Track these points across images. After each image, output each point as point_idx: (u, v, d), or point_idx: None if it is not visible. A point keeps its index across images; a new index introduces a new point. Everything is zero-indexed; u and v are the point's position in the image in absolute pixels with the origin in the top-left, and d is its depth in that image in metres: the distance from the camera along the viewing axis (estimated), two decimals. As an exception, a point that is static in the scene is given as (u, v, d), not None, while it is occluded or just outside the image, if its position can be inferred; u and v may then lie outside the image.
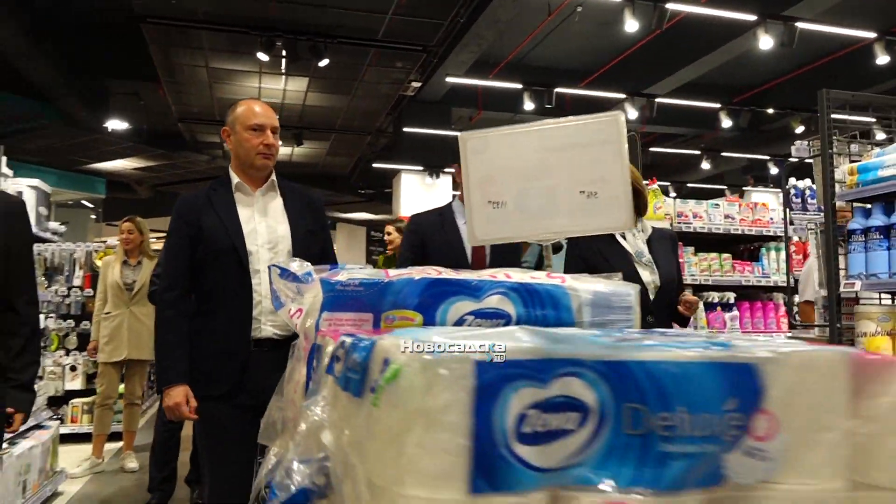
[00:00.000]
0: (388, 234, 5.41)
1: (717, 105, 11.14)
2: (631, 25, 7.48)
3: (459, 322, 1.02)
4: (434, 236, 2.90)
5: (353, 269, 1.15)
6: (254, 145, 2.40)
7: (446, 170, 13.37)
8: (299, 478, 0.82)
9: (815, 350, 0.93)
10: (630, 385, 0.79)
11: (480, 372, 0.73)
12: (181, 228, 2.39)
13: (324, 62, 8.46)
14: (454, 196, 3.05)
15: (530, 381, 0.74)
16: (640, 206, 2.76)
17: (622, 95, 10.68)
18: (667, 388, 0.80)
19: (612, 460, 0.76)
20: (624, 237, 2.81)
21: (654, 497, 0.74)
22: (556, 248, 2.93)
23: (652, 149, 14.25)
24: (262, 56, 8.35)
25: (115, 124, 12.68)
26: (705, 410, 0.81)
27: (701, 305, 4.44)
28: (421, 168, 13.01)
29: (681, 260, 3.48)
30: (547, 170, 1.38)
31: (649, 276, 2.78)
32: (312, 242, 2.46)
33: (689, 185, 16.48)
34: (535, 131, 1.44)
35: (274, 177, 2.50)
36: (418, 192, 13.12)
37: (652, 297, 2.73)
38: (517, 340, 0.76)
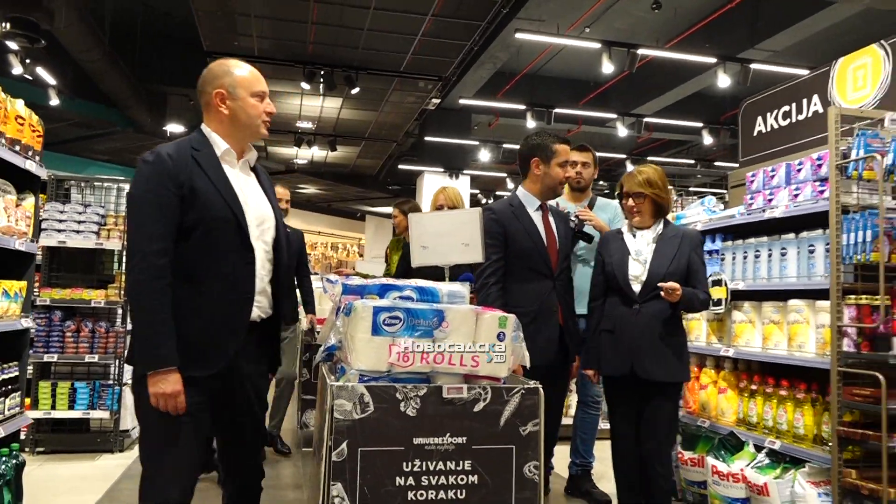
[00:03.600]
0: (395, 216, 5.42)
1: (700, 124, 12.60)
2: (607, 67, 9.03)
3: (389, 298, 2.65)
4: (512, 223, 3.22)
5: (354, 279, 2.82)
6: (259, 112, 2.26)
7: (465, 171, 15.06)
8: (332, 341, 2.45)
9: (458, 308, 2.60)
10: (411, 315, 2.41)
11: (375, 311, 2.33)
12: (168, 186, 2.07)
13: (355, 90, 10.18)
14: (518, 187, 3.43)
15: (385, 311, 2.34)
16: (664, 210, 3.18)
17: (613, 115, 12.22)
18: (417, 313, 2.39)
19: (402, 332, 2.36)
20: (634, 236, 3.19)
21: (410, 338, 2.35)
22: (587, 239, 3.84)
23: (650, 157, 15.75)
24: (305, 85, 10.10)
25: (173, 128, 14.56)
26: (425, 319, 2.37)
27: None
28: (442, 169, 14.68)
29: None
30: (447, 232, 3.03)
31: (638, 270, 3.11)
32: (282, 224, 2.40)
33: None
34: (443, 214, 3.14)
35: (253, 150, 2.38)
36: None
37: (637, 288, 3.08)
38: (381, 301, 2.38)
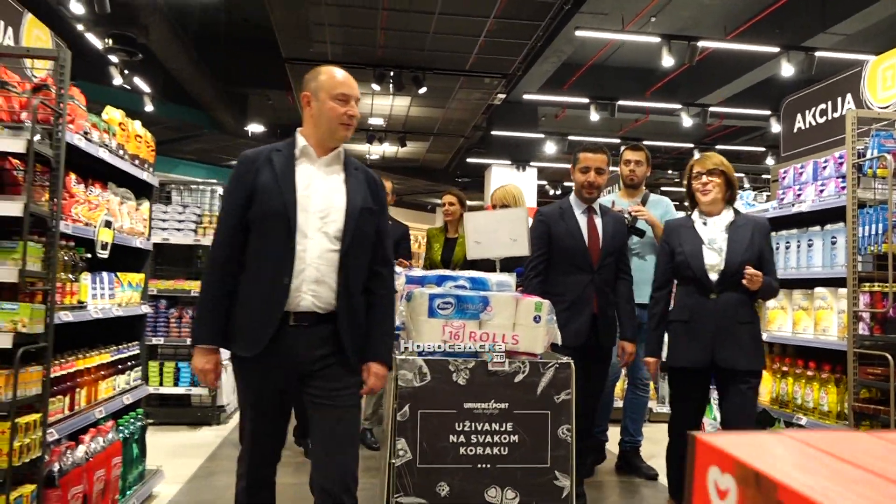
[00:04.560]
0: (452, 204, 5.30)
1: (767, 112, 12.48)
2: (667, 61, 9.18)
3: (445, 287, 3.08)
4: (557, 225, 3.48)
5: (416, 270, 3.28)
6: (339, 114, 2.33)
7: (532, 163, 15.38)
8: (397, 322, 2.89)
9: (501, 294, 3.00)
10: (461, 301, 2.83)
11: (431, 297, 2.77)
12: (238, 188, 2.30)
13: (423, 90, 10.67)
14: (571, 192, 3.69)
15: (439, 297, 2.77)
16: (732, 197, 3.22)
17: (677, 106, 12.28)
18: (465, 299, 2.83)
19: (454, 315, 2.78)
20: (705, 224, 3.19)
21: (460, 320, 2.77)
22: (640, 234, 4.07)
23: (718, 147, 15.62)
24: (375, 86, 10.66)
25: (254, 127, 15.46)
26: (473, 303, 2.79)
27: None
28: (509, 162, 15.03)
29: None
30: (497, 230, 3.45)
31: (714, 259, 3.09)
32: (367, 220, 2.38)
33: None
34: (494, 213, 3.57)
35: (341, 149, 2.44)
36: (507, 182, 15.13)
37: (714, 277, 3.08)
38: (438, 289, 2.81)
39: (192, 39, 11.50)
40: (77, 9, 7.84)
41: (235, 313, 2.29)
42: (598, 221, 3.54)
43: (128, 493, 3.42)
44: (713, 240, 3.13)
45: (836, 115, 4.06)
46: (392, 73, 10.50)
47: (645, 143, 15.95)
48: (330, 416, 2.32)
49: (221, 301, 2.28)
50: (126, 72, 10.87)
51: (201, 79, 12.27)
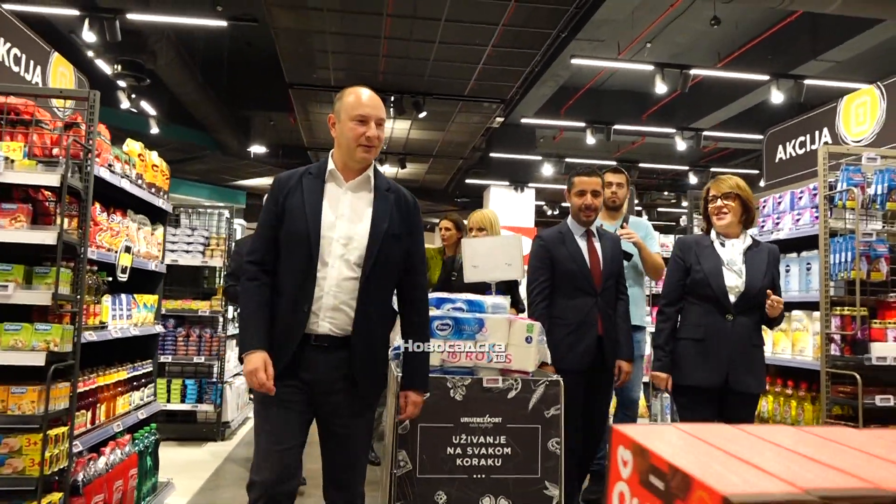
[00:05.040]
0: (448, 229, 5.40)
1: (759, 136, 12.76)
2: (660, 88, 9.46)
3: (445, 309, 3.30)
4: (558, 249, 3.54)
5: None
6: (356, 135, 2.28)
7: (530, 184, 15.63)
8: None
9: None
10: (458, 322, 3.03)
11: (430, 319, 2.98)
12: (271, 206, 2.35)
13: (423, 114, 10.95)
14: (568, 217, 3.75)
15: (438, 319, 2.99)
16: (749, 220, 3.22)
17: (671, 130, 12.56)
18: (462, 321, 3.02)
19: (451, 336, 2.98)
20: (723, 245, 3.18)
21: (458, 340, 2.97)
22: (627, 258, 3.99)
23: (713, 168, 15.91)
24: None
25: (256, 149, 15.74)
26: (469, 325, 2.99)
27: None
28: (508, 183, 15.29)
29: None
30: (493, 254, 3.67)
31: (734, 280, 3.09)
32: (394, 246, 2.36)
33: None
34: (490, 239, 3.80)
35: (371, 172, 2.39)
36: (505, 203, 15.38)
37: (733, 299, 3.07)
38: (437, 311, 3.01)
39: (198, 63, 11.81)
40: (89, 37, 8.12)
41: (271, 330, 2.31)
42: (598, 244, 3.60)
43: (144, 501, 3.61)
44: (732, 261, 3.12)
45: (814, 147, 4.30)
46: (393, 98, 10.77)
47: (641, 164, 16.36)
48: (338, 436, 2.38)
49: (258, 309, 2.30)
50: (133, 96, 11.15)
51: (206, 101, 12.55)
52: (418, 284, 2.49)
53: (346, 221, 2.33)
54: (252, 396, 2.58)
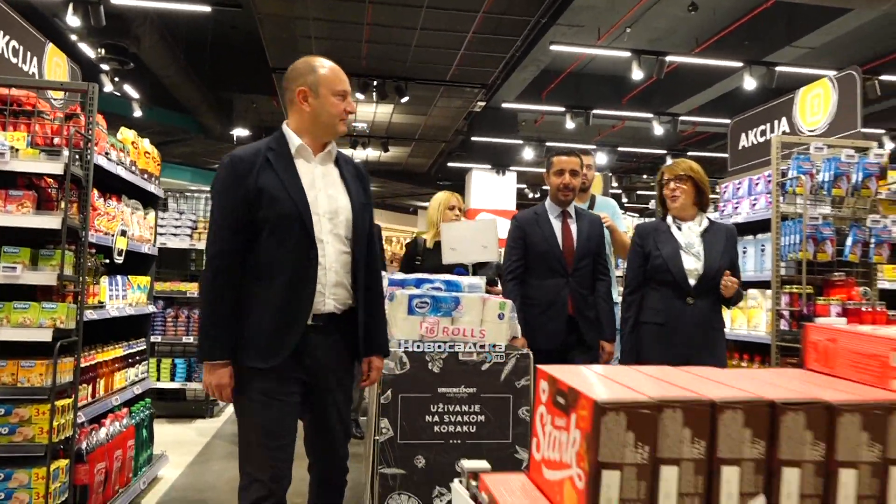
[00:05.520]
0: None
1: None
2: (637, 74, 9.69)
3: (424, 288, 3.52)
4: (532, 229, 3.56)
5: (397, 274, 3.72)
6: (339, 111, 2.29)
7: (511, 168, 15.87)
8: None
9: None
10: (436, 300, 3.28)
11: (410, 297, 3.21)
12: (236, 189, 2.17)
13: (405, 99, 11.11)
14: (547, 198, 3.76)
15: (417, 298, 3.22)
16: (704, 203, 3.23)
17: (649, 115, 12.82)
18: (440, 299, 3.28)
19: (430, 313, 3.23)
20: (680, 228, 3.20)
21: (435, 317, 3.23)
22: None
23: (690, 153, 16.23)
24: (359, 95, 11.07)
25: (239, 132, 15.80)
26: (447, 303, 3.24)
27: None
28: (489, 166, 15.51)
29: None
30: (470, 238, 3.90)
31: (693, 263, 3.12)
32: (365, 215, 2.38)
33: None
34: (467, 223, 4.03)
35: (334, 144, 2.38)
36: (487, 186, 15.63)
37: (693, 282, 3.11)
38: (416, 290, 3.25)
39: (181, 46, 11.84)
40: (73, 21, 8.18)
41: (248, 323, 2.18)
42: (573, 225, 3.60)
43: (140, 472, 3.83)
44: (690, 244, 3.14)
45: (774, 135, 4.55)
46: (376, 83, 10.92)
47: (620, 148, 16.61)
48: (336, 409, 2.37)
49: (230, 312, 2.16)
50: (116, 79, 11.19)
51: (189, 84, 12.59)
52: (377, 254, 2.50)
53: (326, 196, 2.29)
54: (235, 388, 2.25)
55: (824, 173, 3.59)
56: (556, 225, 3.61)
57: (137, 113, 12.78)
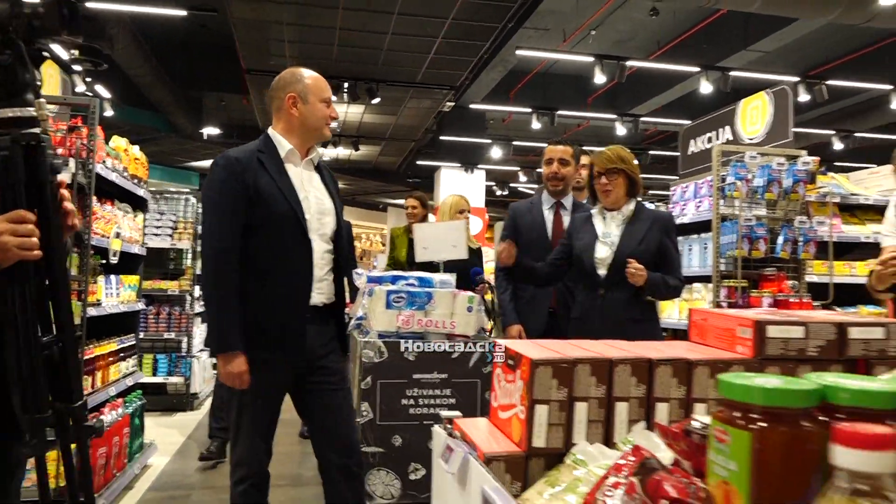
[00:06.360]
0: (414, 207, 5.53)
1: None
2: (599, 78, 10.10)
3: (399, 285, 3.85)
4: (524, 218, 3.55)
5: (374, 272, 4.04)
6: (326, 115, 2.48)
7: (480, 166, 16.24)
8: (360, 313, 3.66)
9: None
10: (411, 295, 3.61)
11: (388, 293, 3.54)
12: (235, 187, 2.31)
13: (376, 100, 11.39)
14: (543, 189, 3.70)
15: (394, 293, 3.55)
16: (635, 190, 3.07)
17: (612, 116, 13.29)
18: (414, 294, 3.61)
19: (405, 307, 3.57)
20: (605, 218, 3.08)
21: (410, 310, 3.56)
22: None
23: (652, 151, 16.80)
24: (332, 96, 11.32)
25: (209, 130, 15.91)
26: (420, 297, 3.58)
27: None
28: (458, 164, 15.86)
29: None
30: (441, 238, 4.24)
31: (605, 253, 2.98)
32: (342, 217, 2.58)
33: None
34: (438, 224, 4.36)
35: (318, 150, 2.56)
36: (456, 183, 15.94)
37: (604, 272, 2.96)
38: (393, 286, 3.57)
39: (153, 46, 11.95)
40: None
41: (251, 315, 2.33)
42: (566, 217, 3.54)
43: (133, 458, 4.10)
44: (608, 234, 3.02)
45: (719, 142, 4.98)
46: (347, 85, 11.17)
47: (585, 146, 17.02)
48: (337, 398, 2.52)
49: (236, 304, 2.30)
50: (88, 79, 11.27)
51: (160, 84, 12.69)
52: (353, 254, 2.83)
53: (314, 198, 2.46)
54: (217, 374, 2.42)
55: (758, 179, 4.00)
56: (549, 216, 3.58)
57: (109, 112, 12.84)
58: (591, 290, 3.03)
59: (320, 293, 2.46)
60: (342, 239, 2.57)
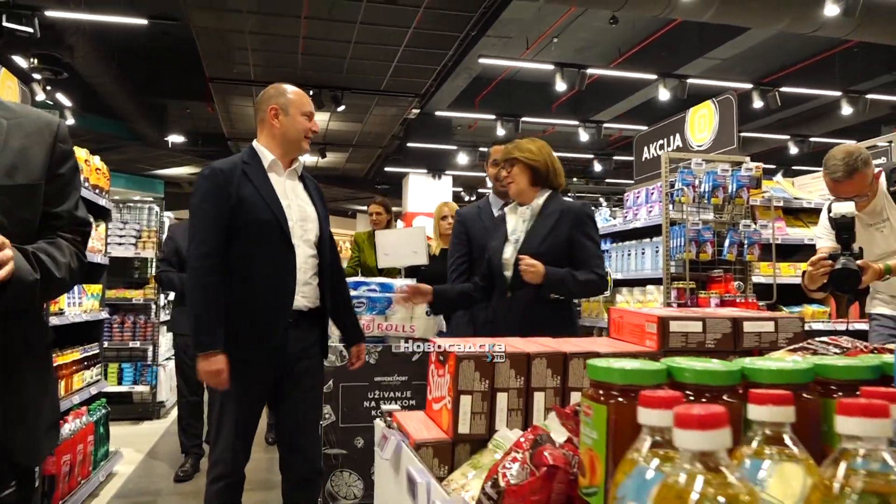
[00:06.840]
0: (378, 213, 5.54)
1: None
2: (560, 86, 10.31)
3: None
4: (475, 224, 3.33)
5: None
6: (305, 129, 2.58)
7: (447, 172, 16.40)
8: None
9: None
10: (371, 300, 3.72)
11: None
12: (219, 197, 2.42)
13: (341, 108, 11.47)
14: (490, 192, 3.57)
15: (355, 298, 3.65)
16: (545, 181, 2.79)
17: (575, 122, 13.54)
18: (374, 299, 3.72)
19: (365, 312, 3.67)
20: (515, 216, 2.85)
21: (371, 315, 3.67)
22: None
23: (616, 157, 17.11)
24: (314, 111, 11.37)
25: (174, 138, 15.81)
26: (380, 303, 3.69)
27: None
28: (426, 170, 16.00)
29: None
30: (402, 244, 4.35)
31: (510, 252, 2.77)
32: (327, 225, 2.68)
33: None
34: (399, 231, 4.46)
35: (301, 160, 2.66)
36: (423, 190, 16.10)
37: (510, 273, 2.74)
38: (354, 292, 3.68)
39: (114, 54, 11.87)
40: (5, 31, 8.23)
41: (233, 318, 2.41)
42: None
43: (98, 466, 4.13)
44: (514, 230, 2.81)
45: (671, 149, 5.17)
46: (312, 92, 11.22)
47: (550, 153, 17.29)
48: (304, 408, 2.61)
49: (221, 305, 2.40)
50: (48, 88, 11.17)
51: (122, 92, 12.60)
52: (339, 258, 2.89)
53: (296, 207, 2.57)
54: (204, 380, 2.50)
55: (704, 185, 4.19)
56: (499, 216, 3.30)
57: (70, 121, 12.71)
58: (500, 293, 2.82)
59: (304, 297, 2.55)
60: (325, 244, 2.66)
